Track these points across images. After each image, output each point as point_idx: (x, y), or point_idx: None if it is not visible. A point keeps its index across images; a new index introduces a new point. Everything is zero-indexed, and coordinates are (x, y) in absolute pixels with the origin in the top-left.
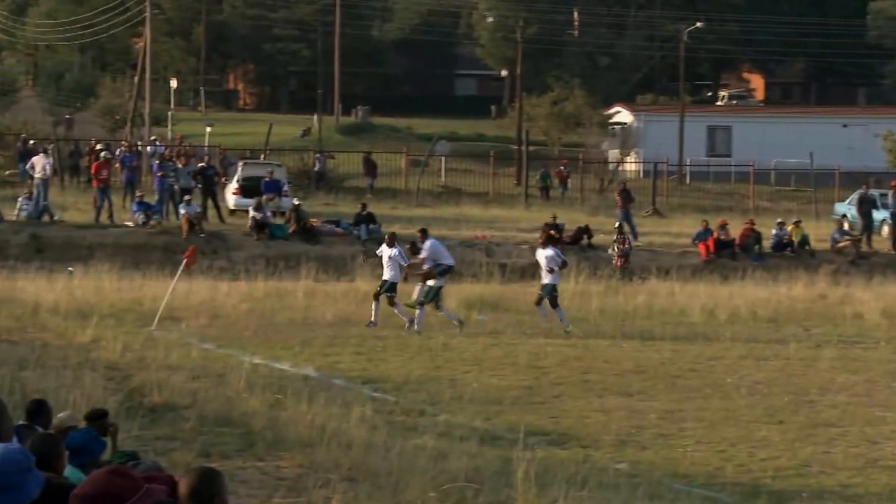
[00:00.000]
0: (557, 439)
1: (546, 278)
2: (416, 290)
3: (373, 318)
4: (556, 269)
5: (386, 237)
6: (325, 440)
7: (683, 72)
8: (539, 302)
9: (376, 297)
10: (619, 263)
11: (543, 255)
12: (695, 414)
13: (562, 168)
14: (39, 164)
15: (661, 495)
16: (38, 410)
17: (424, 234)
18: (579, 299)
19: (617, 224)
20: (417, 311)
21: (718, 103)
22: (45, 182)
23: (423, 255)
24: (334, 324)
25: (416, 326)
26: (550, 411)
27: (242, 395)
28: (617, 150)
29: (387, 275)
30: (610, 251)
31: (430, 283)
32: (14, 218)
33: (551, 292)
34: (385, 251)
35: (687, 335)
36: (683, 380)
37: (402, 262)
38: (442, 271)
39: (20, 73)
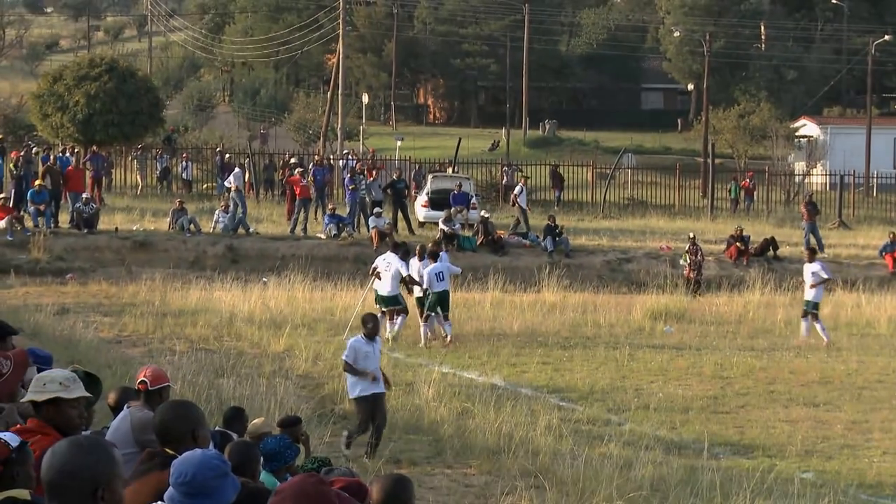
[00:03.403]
0: (742, 449)
1: (809, 294)
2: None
3: (444, 335)
4: (820, 283)
5: (418, 248)
6: (513, 448)
7: (871, 84)
8: (805, 315)
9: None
10: (690, 275)
11: (809, 270)
12: (881, 425)
13: (748, 180)
14: (236, 177)
15: None
16: (235, 417)
17: (434, 256)
18: (764, 310)
19: (691, 235)
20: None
21: None
22: (241, 194)
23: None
24: (521, 334)
25: (422, 341)
26: (735, 421)
27: (431, 403)
28: (803, 163)
29: (441, 286)
30: (682, 262)
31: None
32: (211, 230)
33: (814, 308)
34: (416, 265)
35: (873, 346)
36: (870, 391)
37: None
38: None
39: (217, 89)
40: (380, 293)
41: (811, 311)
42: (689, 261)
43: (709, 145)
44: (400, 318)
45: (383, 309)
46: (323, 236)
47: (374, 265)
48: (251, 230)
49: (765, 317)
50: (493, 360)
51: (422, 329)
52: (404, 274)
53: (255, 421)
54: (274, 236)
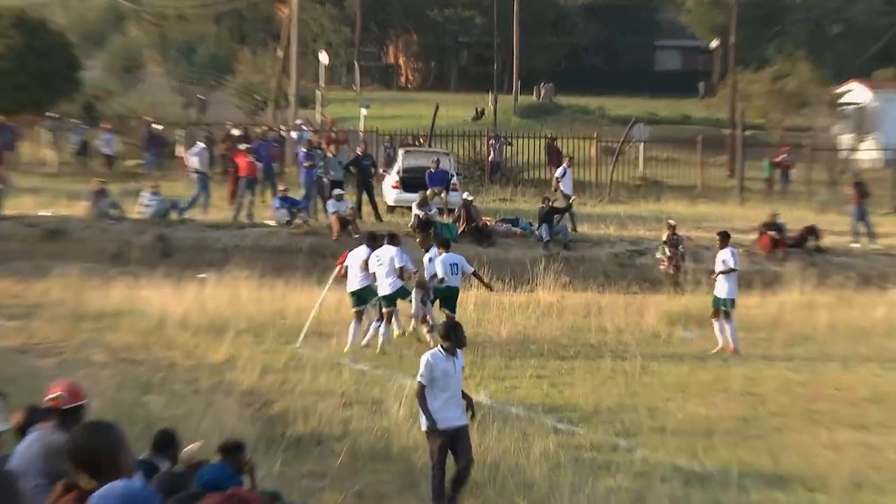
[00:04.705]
0: (777, 480)
1: (721, 289)
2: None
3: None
4: (725, 273)
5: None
6: (500, 479)
7: None
8: (717, 316)
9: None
10: (669, 270)
11: (720, 258)
12: None
13: (784, 156)
14: (200, 157)
15: None
16: (166, 442)
17: (445, 245)
18: (805, 312)
19: (671, 222)
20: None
21: None
22: (205, 179)
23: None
24: (510, 342)
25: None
26: (769, 447)
27: (402, 425)
28: (850, 135)
29: (455, 283)
30: (658, 254)
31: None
32: (138, 216)
33: (730, 306)
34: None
35: None
36: None
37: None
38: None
39: (146, 46)
40: (381, 292)
41: (725, 309)
42: (667, 253)
43: (736, 114)
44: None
45: (383, 310)
46: (272, 223)
47: (348, 261)
48: (186, 216)
49: (805, 320)
50: (476, 374)
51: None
52: (399, 265)
53: (189, 447)
54: (213, 224)
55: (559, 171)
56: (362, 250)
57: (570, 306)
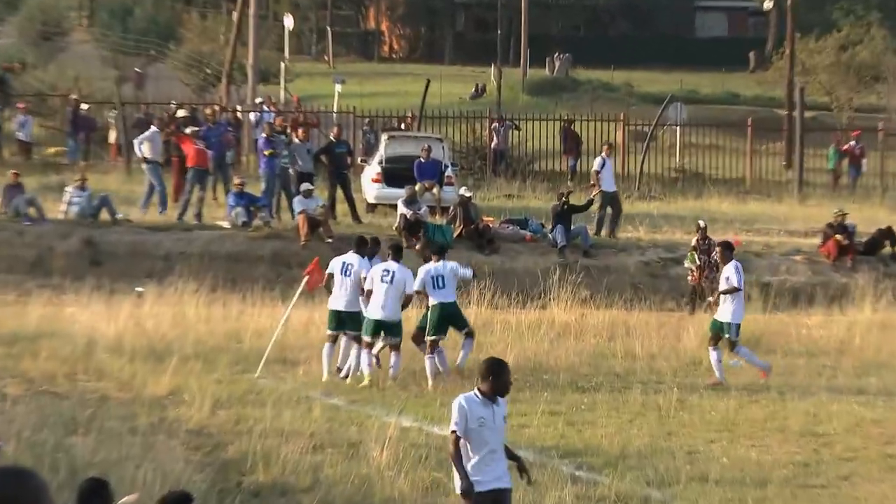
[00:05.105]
0: None
1: (723, 312)
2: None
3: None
4: (728, 293)
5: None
6: None
7: None
8: (715, 343)
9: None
10: (700, 282)
11: (724, 275)
12: None
13: (853, 143)
14: (151, 143)
15: None
16: (95, 492)
17: (440, 251)
18: (879, 334)
19: (701, 223)
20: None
21: None
22: (157, 170)
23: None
24: (518, 370)
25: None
26: (836, 499)
27: (386, 472)
28: None
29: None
30: (687, 263)
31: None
32: (62, 216)
33: (733, 333)
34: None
35: None
36: None
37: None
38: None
39: (71, 8)
40: (371, 316)
41: (729, 336)
42: (696, 261)
43: (795, 91)
44: (394, 355)
45: (368, 339)
46: (226, 225)
47: (333, 269)
48: (120, 216)
49: (880, 345)
50: None
51: (427, 365)
52: (410, 291)
53: (125, 499)
54: (153, 225)
55: (597, 163)
56: (352, 259)
57: (592, 326)
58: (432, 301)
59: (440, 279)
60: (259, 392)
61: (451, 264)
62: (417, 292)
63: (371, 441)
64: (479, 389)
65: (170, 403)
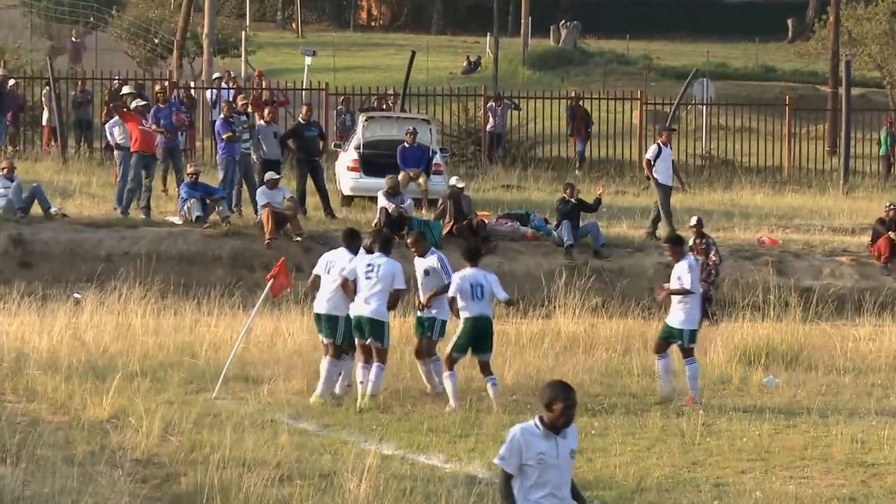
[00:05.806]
0: None
1: (674, 316)
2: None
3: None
4: (677, 294)
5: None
6: None
7: None
8: (662, 350)
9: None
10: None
11: (675, 273)
12: None
13: None
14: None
15: None
16: None
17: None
18: None
19: (694, 221)
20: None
21: None
22: (127, 157)
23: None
24: (518, 388)
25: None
26: None
27: None
28: None
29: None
30: None
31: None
32: None
33: (687, 340)
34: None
35: None
36: None
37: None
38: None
39: None
40: (353, 313)
41: (681, 343)
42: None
43: (841, 65)
44: (376, 366)
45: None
46: (178, 220)
47: (330, 264)
48: (54, 210)
49: None
50: (470, 435)
51: (448, 385)
52: (399, 286)
53: None
54: (93, 221)
55: (650, 152)
56: (341, 255)
57: (604, 339)
58: (465, 314)
59: (479, 288)
60: (216, 414)
61: (492, 276)
62: (450, 300)
63: (347, 472)
64: (539, 420)
65: (112, 428)
